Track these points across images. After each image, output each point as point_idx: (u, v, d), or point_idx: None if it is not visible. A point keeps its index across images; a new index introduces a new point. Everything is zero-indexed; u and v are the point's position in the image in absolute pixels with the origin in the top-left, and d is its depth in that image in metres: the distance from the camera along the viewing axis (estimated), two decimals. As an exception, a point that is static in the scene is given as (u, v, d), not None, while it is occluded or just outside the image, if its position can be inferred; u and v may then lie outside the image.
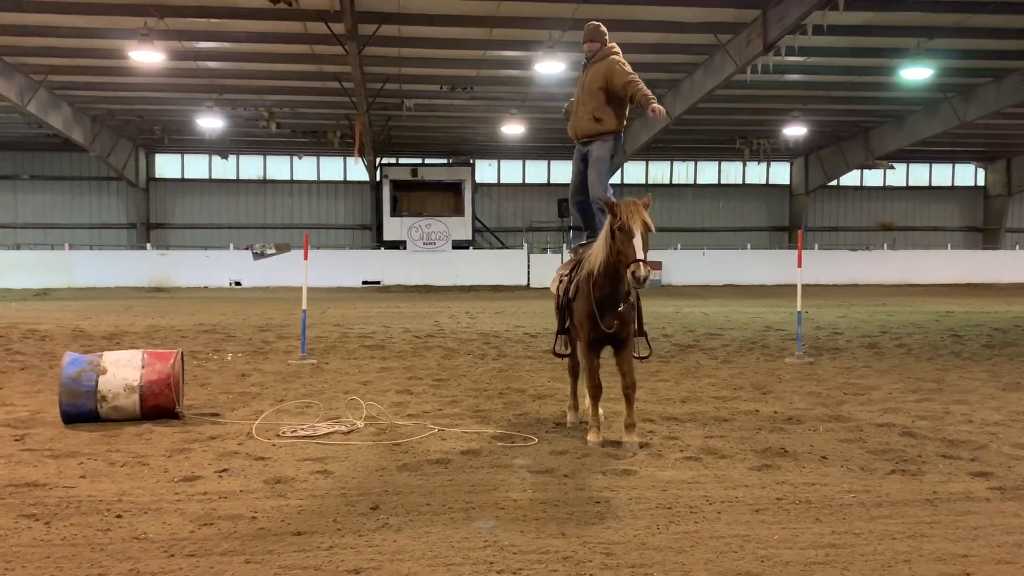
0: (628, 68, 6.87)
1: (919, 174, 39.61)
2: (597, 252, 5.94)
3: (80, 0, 18.22)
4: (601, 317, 5.94)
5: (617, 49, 7.07)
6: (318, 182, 37.00)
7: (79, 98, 27.25)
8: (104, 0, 18.21)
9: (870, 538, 4.25)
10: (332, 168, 37.03)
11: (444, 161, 35.93)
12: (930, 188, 39.69)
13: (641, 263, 5.48)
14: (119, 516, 4.49)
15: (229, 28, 20.17)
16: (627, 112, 7.15)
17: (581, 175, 7.28)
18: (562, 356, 6.82)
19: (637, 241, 5.54)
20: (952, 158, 38.51)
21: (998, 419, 7.04)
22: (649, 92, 6.74)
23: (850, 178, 38.17)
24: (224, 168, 36.49)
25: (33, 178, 35.08)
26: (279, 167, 36.96)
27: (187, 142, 33.81)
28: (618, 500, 4.82)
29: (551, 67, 20.62)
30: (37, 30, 20.03)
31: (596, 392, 6.26)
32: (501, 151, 36.09)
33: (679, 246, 33.54)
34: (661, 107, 6.63)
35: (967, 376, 9.40)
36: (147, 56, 20.27)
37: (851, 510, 4.67)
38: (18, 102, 23.72)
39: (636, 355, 6.36)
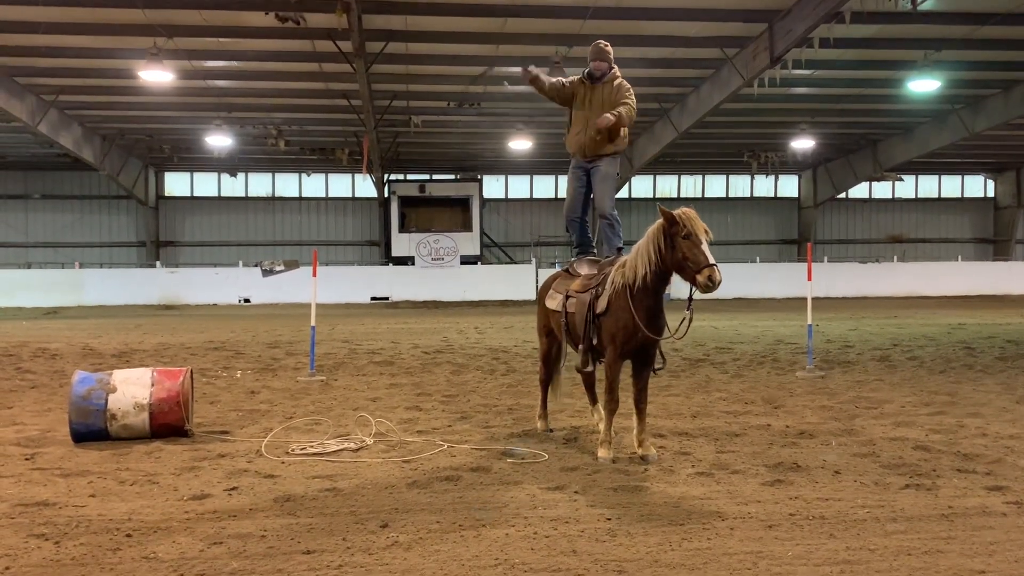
0: (631, 95, 7.08)
1: (928, 186, 39.56)
2: (636, 264, 5.93)
3: (90, 21, 18.42)
4: (648, 327, 5.96)
5: (619, 72, 7.21)
6: (326, 199, 37.17)
7: (89, 117, 27.48)
8: (114, 20, 18.40)
9: (885, 554, 4.20)
10: (340, 185, 37.21)
11: (452, 177, 36.05)
12: (939, 200, 39.62)
13: (716, 267, 5.61)
14: (129, 535, 4.47)
15: (238, 47, 20.35)
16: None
17: (582, 191, 7.30)
18: (587, 372, 6.79)
19: (705, 247, 5.68)
20: (961, 169, 38.46)
21: (1013, 432, 6.96)
22: (624, 113, 6.92)
23: (859, 190, 38.15)
24: (233, 186, 36.73)
25: (44, 197, 35.35)
26: (288, 184, 37.16)
27: (196, 160, 34.05)
28: (630, 517, 4.77)
29: (558, 83, 20.70)
30: (48, 51, 20.25)
31: (615, 407, 6.24)
32: (508, 166, 36.20)
33: (688, 259, 33.45)
34: (610, 119, 6.82)
35: (980, 389, 9.32)
36: (156, 75, 20.47)
37: (865, 526, 4.62)
38: (29, 122, 23.94)
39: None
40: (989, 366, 11.28)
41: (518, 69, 7.69)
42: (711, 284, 5.59)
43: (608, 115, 6.85)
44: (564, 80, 7.43)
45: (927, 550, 4.25)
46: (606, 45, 7.20)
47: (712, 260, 5.64)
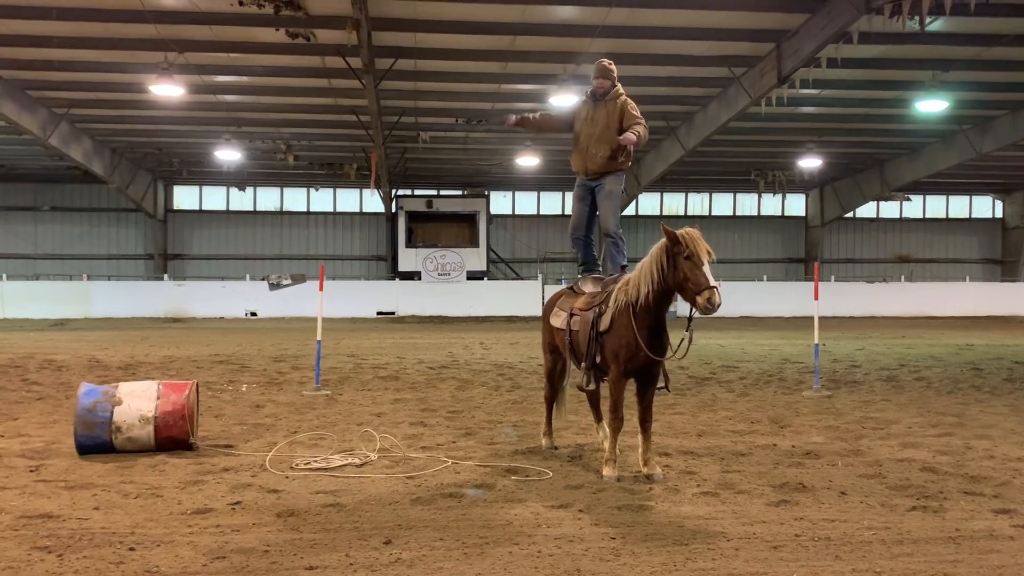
0: (638, 112, 7.08)
1: (936, 206, 39.50)
2: (639, 283, 5.93)
3: (102, 35, 18.57)
4: (649, 346, 5.95)
5: (623, 90, 7.18)
6: (334, 213, 37.29)
7: (100, 131, 27.65)
8: (125, 35, 18.55)
9: (892, 577, 4.17)
10: (348, 199, 37.34)
11: (459, 192, 36.14)
12: (947, 220, 39.56)
13: (716, 289, 5.59)
14: (132, 549, 4.47)
15: (248, 62, 20.48)
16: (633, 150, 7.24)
17: (587, 210, 7.31)
18: (588, 391, 6.77)
19: (707, 269, 5.66)
20: (969, 190, 38.41)
21: (1021, 454, 6.91)
22: (642, 133, 6.91)
23: (866, 210, 38.11)
24: (241, 200, 36.89)
25: (53, 209, 35.54)
26: (296, 199, 37.31)
27: (205, 174, 34.20)
28: (634, 536, 4.75)
29: (566, 100, 20.72)
30: (60, 64, 20.42)
31: (619, 425, 6.22)
32: (516, 183, 36.29)
33: (694, 278, 33.40)
34: (632, 137, 6.84)
35: (988, 410, 9.26)
36: (167, 90, 20.61)
37: (872, 547, 4.59)
38: (40, 135, 24.10)
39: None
40: (997, 387, 11.22)
41: (500, 114, 7.78)
42: (710, 306, 5.57)
43: (630, 133, 6.83)
44: (561, 109, 7.49)
45: (934, 573, 4.21)
46: (610, 63, 7.23)
47: (713, 282, 5.61)
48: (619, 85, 7.22)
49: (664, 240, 5.85)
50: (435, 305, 30.99)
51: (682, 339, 5.96)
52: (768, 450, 7.09)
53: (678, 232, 5.78)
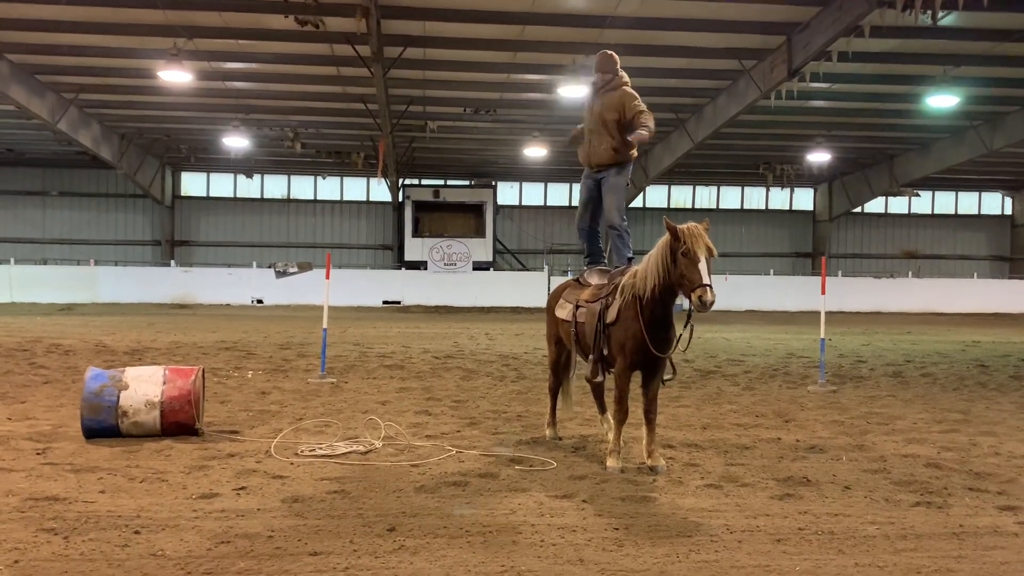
0: (639, 101, 6.97)
1: (945, 202, 39.30)
2: (646, 276, 5.93)
3: (112, 21, 18.56)
4: (652, 340, 5.93)
5: (627, 79, 7.11)
6: (341, 202, 37.28)
7: (108, 116, 27.67)
8: (135, 21, 18.53)
9: (895, 571, 4.17)
10: (355, 188, 37.32)
11: (466, 183, 36.09)
12: (956, 216, 39.36)
13: (708, 288, 5.56)
14: (137, 532, 4.50)
15: (257, 49, 20.45)
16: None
17: (592, 202, 7.28)
18: (596, 382, 6.77)
19: (703, 266, 5.63)
20: (979, 186, 38.18)
21: (1026, 452, 6.91)
22: (650, 124, 6.79)
23: (874, 205, 37.92)
24: (249, 187, 36.89)
25: (61, 194, 35.60)
26: (303, 187, 37.30)
27: (213, 161, 34.22)
28: (637, 527, 4.76)
29: (574, 91, 20.65)
30: (69, 49, 20.41)
31: (624, 417, 6.23)
32: (523, 173, 36.21)
33: (701, 271, 33.32)
34: (644, 135, 6.72)
35: (994, 407, 9.25)
36: (176, 76, 20.61)
37: (875, 542, 4.59)
38: (49, 120, 24.12)
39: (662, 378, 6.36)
40: (1003, 384, 11.19)
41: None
42: (701, 305, 5.57)
43: (641, 131, 6.71)
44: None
45: (937, 568, 4.21)
46: (611, 54, 7.17)
47: (707, 280, 5.58)
48: (623, 75, 7.13)
49: (667, 234, 5.85)
50: (441, 295, 30.99)
51: (680, 333, 5.96)
52: (772, 444, 7.09)
53: (679, 227, 5.76)
